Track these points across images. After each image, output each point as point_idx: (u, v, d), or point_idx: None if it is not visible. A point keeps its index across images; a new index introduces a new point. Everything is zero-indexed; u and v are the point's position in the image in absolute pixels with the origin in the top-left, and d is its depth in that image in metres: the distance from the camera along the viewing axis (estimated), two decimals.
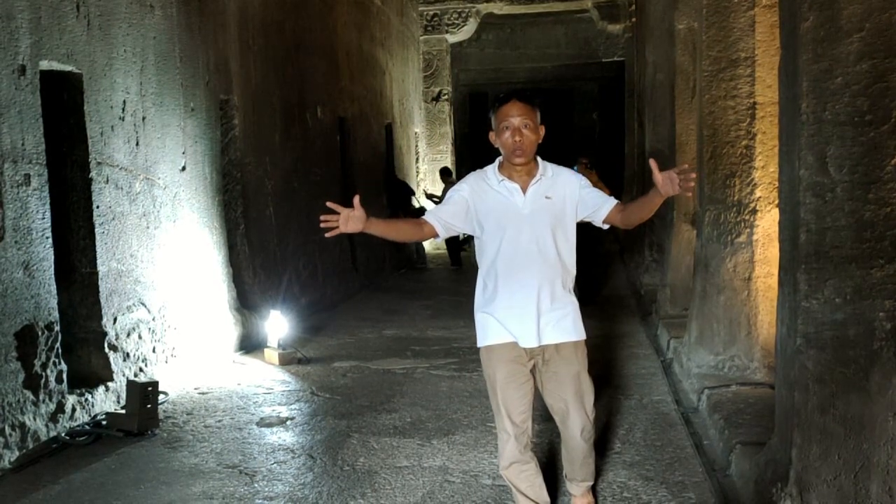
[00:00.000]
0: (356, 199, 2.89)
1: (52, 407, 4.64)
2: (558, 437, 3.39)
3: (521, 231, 3.01)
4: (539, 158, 3.09)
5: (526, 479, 3.06)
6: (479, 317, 3.14)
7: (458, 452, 4.35)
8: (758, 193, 4.95)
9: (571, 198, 3.06)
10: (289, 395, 5.66)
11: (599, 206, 3.07)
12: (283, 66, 8.59)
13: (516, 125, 2.96)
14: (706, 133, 5.17)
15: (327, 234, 2.92)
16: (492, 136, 3.08)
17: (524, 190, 3.03)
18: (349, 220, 2.87)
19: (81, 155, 5.16)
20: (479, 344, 3.12)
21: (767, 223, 4.88)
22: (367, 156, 11.88)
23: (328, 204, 2.94)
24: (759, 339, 4.96)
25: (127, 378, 5.26)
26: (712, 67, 5.10)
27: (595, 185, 9.91)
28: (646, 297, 8.78)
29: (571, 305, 3.08)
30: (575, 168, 9.75)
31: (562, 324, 3.04)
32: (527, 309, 3.00)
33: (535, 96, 3.08)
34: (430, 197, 14.63)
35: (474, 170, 3.20)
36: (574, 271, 3.13)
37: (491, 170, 3.11)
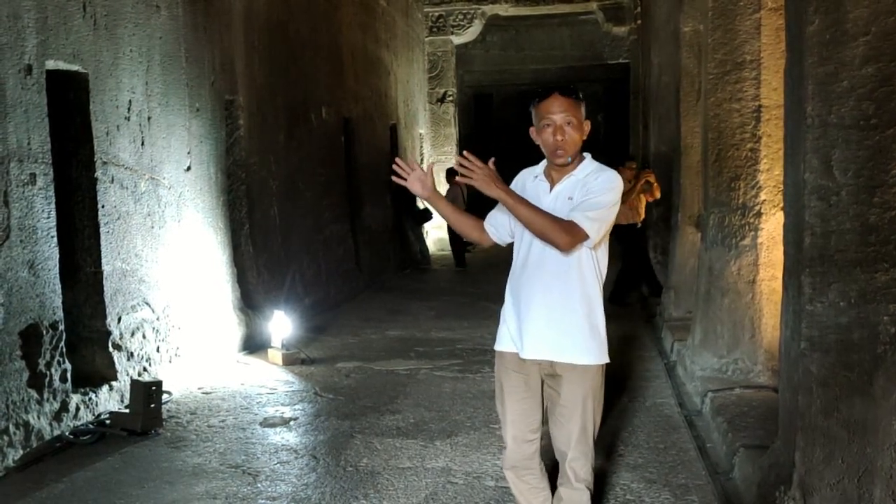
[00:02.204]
0: (430, 166, 2.89)
1: (57, 406, 4.65)
2: None
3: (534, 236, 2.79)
4: (588, 157, 2.84)
5: (528, 482, 2.94)
6: (501, 318, 2.99)
7: (460, 454, 4.35)
8: (762, 196, 4.94)
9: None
10: (292, 395, 5.66)
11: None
12: (288, 67, 8.60)
13: (558, 123, 2.72)
14: (711, 136, 5.17)
15: (394, 179, 2.86)
16: (532, 133, 2.84)
17: (552, 190, 2.83)
18: (417, 181, 2.83)
19: (87, 154, 5.17)
20: (495, 348, 3.00)
21: (772, 226, 4.87)
22: (372, 157, 11.88)
23: (397, 160, 2.89)
24: (762, 342, 4.95)
25: (131, 377, 5.26)
26: (718, 70, 5.10)
27: (653, 186, 9.72)
28: (650, 299, 8.78)
29: (584, 321, 2.78)
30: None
31: (563, 341, 2.77)
32: (528, 318, 2.80)
33: (579, 90, 2.83)
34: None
35: None
36: (597, 283, 2.83)
37: (540, 166, 2.93)
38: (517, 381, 2.88)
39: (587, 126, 2.80)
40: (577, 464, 2.82)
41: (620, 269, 9.05)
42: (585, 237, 2.67)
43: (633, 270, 9.14)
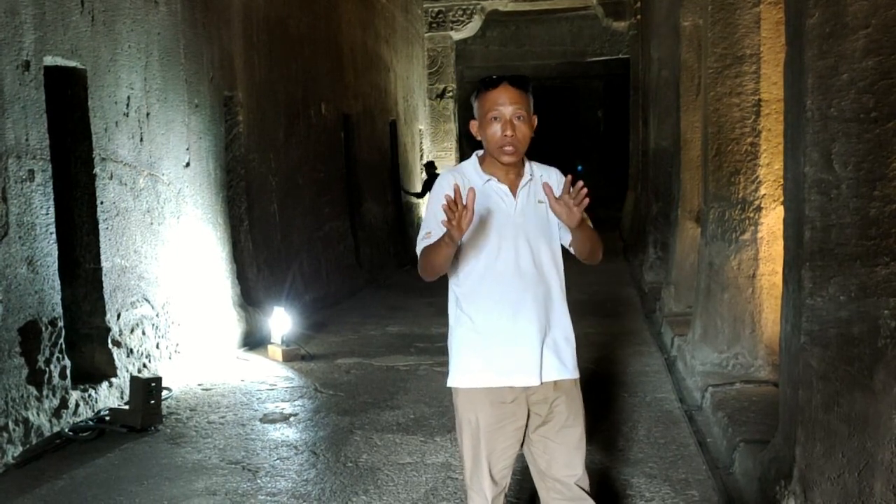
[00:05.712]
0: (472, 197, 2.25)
1: (56, 402, 4.64)
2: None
3: (518, 243, 2.45)
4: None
5: None
6: (459, 348, 2.51)
7: None
8: (762, 191, 4.94)
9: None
10: (292, 391, 5.66)
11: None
12: (287, 63, 8.59)
13: (507, 116, 2.41)
14: (711, 130, 5.16)
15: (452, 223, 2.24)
16: (473, 127, 2.52)
17: (514, 192, 2.48)
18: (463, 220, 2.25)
19: (85, 151, 5.16)
20: (458, 384, 2.50)
21: (772, 220, 4.87)
22: (372, 153, 11.87)
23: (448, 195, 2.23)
24: (763, 336, 4.95)
25: (130, 374, 5.26)
26: (717, 64, 5.09)
27: None
28: (650, 294, 8.78)
29: (571, 334, 2.56)
30: None
31: (563, 356, 2.51)
32: (528, 339, 2.44)
33: (530, 81, 2.53)
34: (406, 193, 13.81)
35: None
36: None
37: (471, 167, 2.54)
38: (505, 413, 2.46)
39: (535, 121, 2.50)
40: (584, 479, 2.53)
41: None
42: None
43: None
